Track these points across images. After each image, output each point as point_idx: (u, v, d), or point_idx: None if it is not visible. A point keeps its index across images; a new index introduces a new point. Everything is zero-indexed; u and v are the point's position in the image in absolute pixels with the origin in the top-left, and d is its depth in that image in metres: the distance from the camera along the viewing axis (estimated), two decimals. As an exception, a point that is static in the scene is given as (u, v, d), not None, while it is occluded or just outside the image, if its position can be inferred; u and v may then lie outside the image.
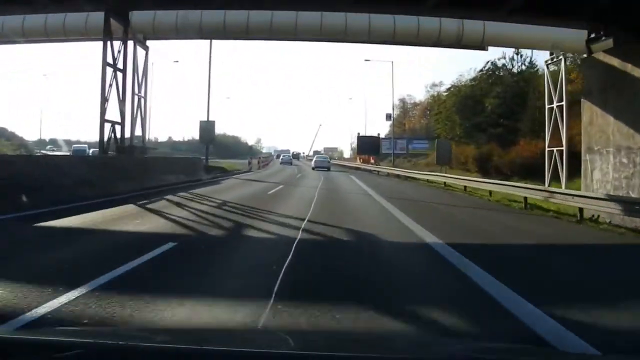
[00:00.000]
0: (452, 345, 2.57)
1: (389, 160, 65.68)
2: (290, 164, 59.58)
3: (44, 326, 3.56)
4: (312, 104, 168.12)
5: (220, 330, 3.43)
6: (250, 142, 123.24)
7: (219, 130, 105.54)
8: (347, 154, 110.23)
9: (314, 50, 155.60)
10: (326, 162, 49.92)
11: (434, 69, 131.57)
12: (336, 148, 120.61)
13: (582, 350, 3.42)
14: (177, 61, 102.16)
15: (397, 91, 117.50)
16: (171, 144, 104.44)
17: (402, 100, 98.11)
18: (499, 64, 44.01)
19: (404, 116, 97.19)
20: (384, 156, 73.80)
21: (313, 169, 46.03)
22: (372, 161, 51.18)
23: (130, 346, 1.88)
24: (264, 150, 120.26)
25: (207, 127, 30.64)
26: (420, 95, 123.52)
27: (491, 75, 43.82)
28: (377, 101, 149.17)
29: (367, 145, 51.05)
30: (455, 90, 44.49)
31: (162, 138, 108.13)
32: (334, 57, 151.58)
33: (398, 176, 33.36)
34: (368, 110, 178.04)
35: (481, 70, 44.57)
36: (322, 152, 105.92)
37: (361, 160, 51.43)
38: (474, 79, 44.51)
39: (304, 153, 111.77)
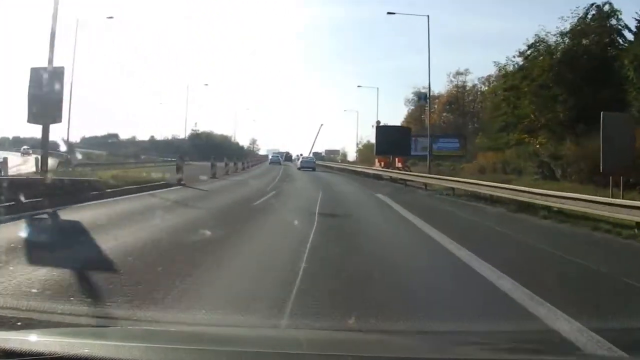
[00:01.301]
0: (454, 345, 2.39)
1: (412, 163, 47.26)
2: (279, 164, 55.86)
3: None
4: (316, 98, 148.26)
5: (218, 330, 3.19)
6: (246, 143, 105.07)
7: (203, 127, 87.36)
8: (351, 155, 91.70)
9: (319, 40, 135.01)
10: (312, 162, 48.98)
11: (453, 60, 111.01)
12: (338, 150, 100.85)
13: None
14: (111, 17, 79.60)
15: (410, 82, 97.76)
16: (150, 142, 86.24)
17: (417, 94, 79.17)
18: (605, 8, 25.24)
19: (421, 111, 78.48)
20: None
21: (299, 169, 43.67)
22: (399, 165, 32.24)
23: (129, 347, 1.85)
24: (260, 152, 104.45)
25: (42, 83, 11.81)
26: (439, 86, 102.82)
27: (602, 23, 24.96)
28: (390, 95, 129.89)
29: (392, 141, 31.60)
30: (545, 48, 25.32)
31: (143, 136, 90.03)
32: (341, 44, 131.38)
33: (499, 203, 14.31)
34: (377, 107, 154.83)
35: (584, 17, 25.58)
36: (324, 154, 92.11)
37: (382, 163, 33.06)
38: (568, 32, 25.44)
39: (301, 154, 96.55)
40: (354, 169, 37.36)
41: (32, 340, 1.88)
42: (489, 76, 71.72)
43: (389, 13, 31.00)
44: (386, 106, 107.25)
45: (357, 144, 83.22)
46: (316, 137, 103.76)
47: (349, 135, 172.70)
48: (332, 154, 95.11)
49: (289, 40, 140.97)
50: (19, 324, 3.20)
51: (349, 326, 3.46)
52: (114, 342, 1.96)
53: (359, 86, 49.68)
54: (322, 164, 60.45)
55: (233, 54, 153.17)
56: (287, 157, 77.05)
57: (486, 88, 72.42)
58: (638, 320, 3.84)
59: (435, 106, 76.71)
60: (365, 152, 75.97)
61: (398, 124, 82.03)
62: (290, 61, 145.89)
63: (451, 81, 72.70)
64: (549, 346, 2.90)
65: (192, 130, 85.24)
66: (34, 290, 4.08)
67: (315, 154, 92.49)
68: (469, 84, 73.85)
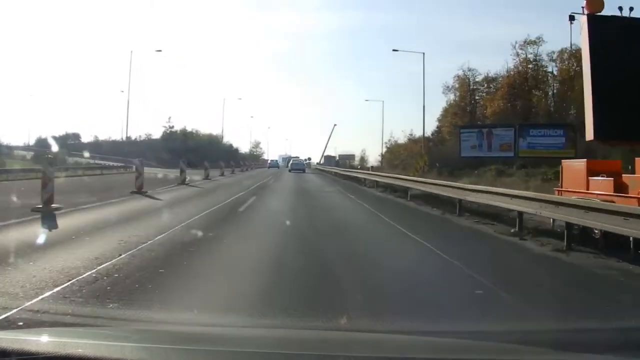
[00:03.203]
0: (448, 345, 2.28)
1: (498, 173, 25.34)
2: (278, 167, 58.52)
3: None
4: (330, 100, 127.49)
5: (210, 330, 3.04)
6: (245, 147, 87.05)
7: (178, 125, 66.06)
8: (372, 159, 70.08)
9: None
10: (301, 165, 49.94)
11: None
12: (353, 155, 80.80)
13: None
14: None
15: (450, 63, 75.27)
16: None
17: (461, 77, 56.44)
18: None
19: (470, 99, 56.25)
20: (464, 165, 34.15)
21: (290, 171, 44.39)
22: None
23: (121, 346, 1.81)
24: (264, 156, 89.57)
25: None
26: (496, 66, 77.83)
27: None
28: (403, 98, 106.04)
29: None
30: None
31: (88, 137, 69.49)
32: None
33: None
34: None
35: None
36: (338, 158, 74.59)
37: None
38: None
39: (309, 158, 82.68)
40: (396, 182, 13.62)
41: (24, 339, 1.82)
42: (564, 50, 48.84)
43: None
44: (402, 110, 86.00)
45: (386, 143, 61.24)
46: (329, 139, 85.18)
47: (368, 137, 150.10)
48: (347, 159, 74.80)
49: (300, 38, 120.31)
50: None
51: (343, 326, 3.37)
52: (106, 341, 1.89)
53: (394, 50, 31.93)
54: (337, 172, 38.13)
55: (238, 54, 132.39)
56: (287, 161, 63.98)
57: (559, 66, 50.04)
58: (635, 321, 3.68)
59: (494, 89, 54.67)
60: (399, 153, 53.96)
61: (433, 123, 59.51)
62: (300, 60, 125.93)
63: (517, 54, 49.49)
64: (543, 346, 2.51)
65: (165, 127, 64.35)
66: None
67: (328, 157, 75.75)
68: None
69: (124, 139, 52.30)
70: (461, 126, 37.82)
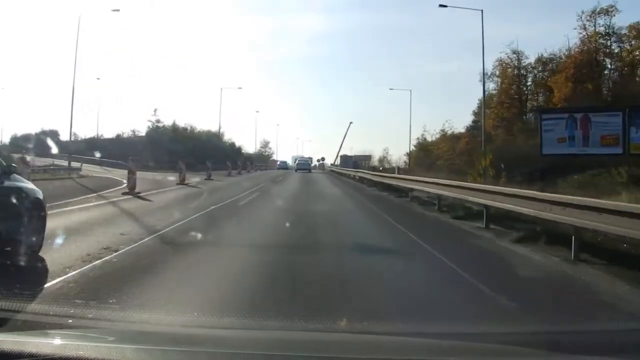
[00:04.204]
0: (446, 347, 2.29)
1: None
2: (287, 168, 56.13)
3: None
4: (346, 98, 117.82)
5: (210, 332, 3.04)
6: (252, 147, 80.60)
7: (167, 120, 56.58)
8: (395, 158, 60.63)
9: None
10: (307, 164, 51.51)
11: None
12: (370, 155, 73.27)
13: None
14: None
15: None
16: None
17: (505, 61, 45.95)
18: None
19: (517, 83, 46.24)
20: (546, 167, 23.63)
21: (296, 170, 45.36)
22: None
23: (121, 348, 1.81)
24: (274, 157, 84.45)
25: None
26: (553, 43, 66.04)
27: None
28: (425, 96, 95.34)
29: None
30: None
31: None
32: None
33: None
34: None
35: None
36: (354, 159, 67.14)
37: None
38: None
39: (322, 158, 79.59)
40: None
41: (25, 341, 1.81)
42: (632, 26, 37.68)
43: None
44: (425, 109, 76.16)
45: (418, 138, 50.65)
46: (344, 138, 76.37)
47: (386, 137, 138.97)
48: (363, 160, 67.22)
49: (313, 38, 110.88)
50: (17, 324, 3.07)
51: (341, 328, 3.37)
52: (106, 344, 1.89)
53: (441, 5, 22.68)
54: (363, 176, 27.49)
55: (240, 53, 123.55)
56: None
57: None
58: (632, 324, 3.72)
59: (538, 72, 44.34)
60: (441, 151, 43.44)
61: (468, 117, 48.88)
62: (310, 60, 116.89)
63: (585, 26, 38.55)
64: (539, 348, 2.55)
65: (150, 121, 54.83)
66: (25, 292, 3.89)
67: (345, 157, 67.62)
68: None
69: (98, 135, 42.82)
70: (542, 110, 27.02)
